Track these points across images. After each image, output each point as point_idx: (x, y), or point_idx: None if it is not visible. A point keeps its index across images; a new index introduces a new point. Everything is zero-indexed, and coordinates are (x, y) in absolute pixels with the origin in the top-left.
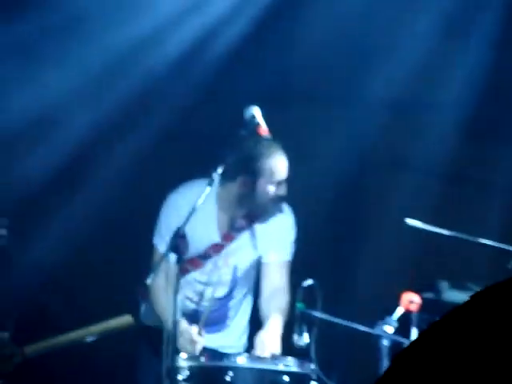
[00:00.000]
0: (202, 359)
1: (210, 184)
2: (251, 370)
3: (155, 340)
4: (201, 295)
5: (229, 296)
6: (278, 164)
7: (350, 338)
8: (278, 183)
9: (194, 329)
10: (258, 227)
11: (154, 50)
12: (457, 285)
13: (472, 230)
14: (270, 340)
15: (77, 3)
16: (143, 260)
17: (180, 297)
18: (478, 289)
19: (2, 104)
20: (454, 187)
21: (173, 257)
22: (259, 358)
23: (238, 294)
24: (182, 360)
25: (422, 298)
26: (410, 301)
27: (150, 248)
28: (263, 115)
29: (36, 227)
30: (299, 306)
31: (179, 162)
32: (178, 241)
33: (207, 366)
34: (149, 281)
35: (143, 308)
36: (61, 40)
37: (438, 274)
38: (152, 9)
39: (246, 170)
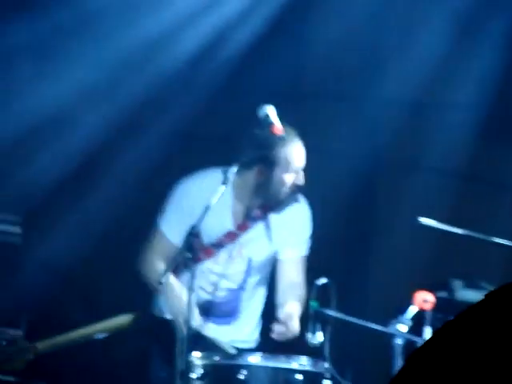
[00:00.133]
0: (216, 357)
1: (225, 183)
2: (265, 368)
3: (168, 334)
4: (215, 286)
5: (241, 288)
6: (295, 152)
7: (364, 336)
8: (295, 172)
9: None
10: (274, 219)
11: (168, 48)
12: (470, 284)
13: (486, 229)
14: (292, 319)
15: (90, 1)
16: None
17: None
18: (491, 288)
19: (15, 102)
20: (468, 186)
21: (187, 255)
22: (273, 357)
23: (251, 286)
24: (196, 358)
25: (436, 297)
26: (424, 300)
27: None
28: (276, 113)
29: (49, 225)
30: (313, 304)
31: (192, 160)
32: (192, 239)
33: (221, 364)
34: (163, 279)
35: (156, 301)
36: (74, 39)
37: (452, 272)
38: (166, 7)
39: (263, 158)
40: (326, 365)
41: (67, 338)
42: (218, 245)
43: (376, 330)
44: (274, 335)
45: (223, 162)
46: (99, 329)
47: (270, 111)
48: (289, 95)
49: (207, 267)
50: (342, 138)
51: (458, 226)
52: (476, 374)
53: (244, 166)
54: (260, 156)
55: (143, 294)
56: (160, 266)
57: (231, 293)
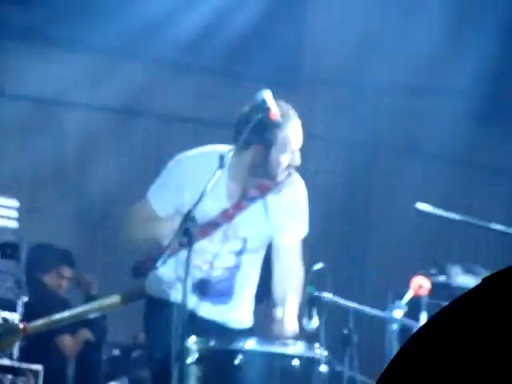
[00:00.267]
0: (212, 342)
1: (221, 167)
2: (260, 353)
3: (162, 314)
4: (210, 265)
5: (236, 267)
6: (292, 133)
7: (360, 321)
8: (292, 152)
9: None
10: (271, 201)
11: (165, 32)
12: (466, 269)
13: (482, 214)
14: (289, 319)
15: None
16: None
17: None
18: (487, 273)
19: (12, 88)
20: (465, 172)
21: (183, 240)
22: (269, 342)
23: (246, 266)
24: (191, 343)
25: (432, 283)
26: (420, 285)
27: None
28: (275, 99)
29: (46, 209)
30: (309, 289)
31: (189, 144)
32: (189, 224)
33: (216, 349)
34: (159, 264)
35: (148, 279)
36: (72, 23)
37: (448, 258)
38: None
39: (260, 138)
40: (322, 350)
41: (57, 319)
42: (214, 224)
43: (372, 314)
44: (273, 335)
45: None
46: (91, 309)
47: (267, 96)
48: (287, 81)
49: (202, 246)
50: (340, 124)
51: (455, 212)
52: (472, 359)
53: (240, 146)
54: (257, 136)
55: (137, 275)
56: (142, 229)
57: (226, 272)
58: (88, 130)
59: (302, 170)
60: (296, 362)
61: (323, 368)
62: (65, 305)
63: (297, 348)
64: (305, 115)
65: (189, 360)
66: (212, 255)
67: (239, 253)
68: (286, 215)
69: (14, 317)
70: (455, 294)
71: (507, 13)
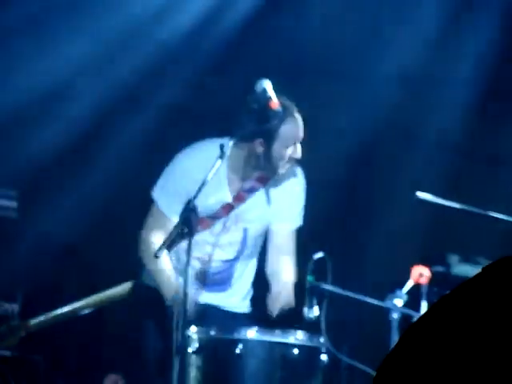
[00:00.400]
0: (212, 332)
1: (221, 157)
2: (261, 342)
3: (161, 304)
4: (210, 256)
5: (236, 258)
6: (294, 126)
7: (360, 310)
8: (293, 146)
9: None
10: (272, 192)
11: (165, 22)
12: (467, 258)
13: (483, 203)
14: (284, 294)
15: None
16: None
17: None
18: (487, 262)
19: (13, 78)
20: (466, 161)
21: (184, 229)
22: (269, 331)
23: (245, 256)
24: (192, 332)
25: (432, 272)
26: (420, 274)
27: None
28: (274, 88)
29: (46, 199)
30: (309, 278)
31: (190, 135)
32: (190, 214)
33: (217, 338)
34: (159, 253)
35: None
36: (71, 12)
37: (448, 247)
38: None
39: (262, 133)
40: (322, 339)
41: (59, 314)
42: (215, 217)
43: (372, 304)
44: (270, 311)
45: (221, 135)
46: (93, 302)
47: (267, 85)
48: (287, 71)
49: (203, 238)
50: (341, 114)
51: (455, 201)
52: (472, 347)
53: (241, 139)
54: (258, 130)
55: (139, 267)
56: (155, 240)
57: (226, 263)
58: (89, 120)
59: (301, 159)
60: (296, 352)
61: (323, 357)
62: (66, 296)
63: (297, 337)
64: (304, 105)
65: (189, 349)
66: (212, 246)
67: (240, 243)
68: (285, 205)
69: (14, 308)
70: (455, 282)
71: (509, 3)
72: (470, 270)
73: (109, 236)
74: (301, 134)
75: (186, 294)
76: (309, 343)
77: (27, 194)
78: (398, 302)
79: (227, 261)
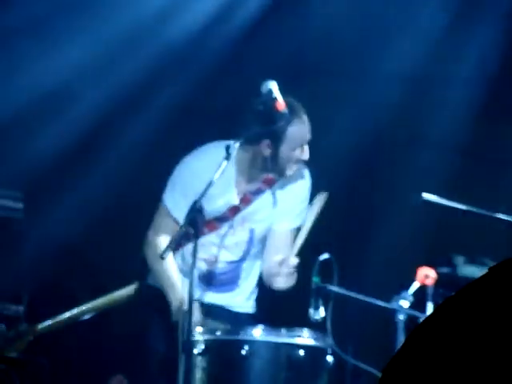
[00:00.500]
0: (218, 333)
1: (227, 158)
2: (267, 343)
3: (166, 306)
4: (216, 258)
5: (243, 259)
6: (301, 128)
7: (366, 312)
8: (301, 147)
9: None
10: (278, 194)
11: (169, 23)
12: (472, 259)
13: (488, 204)
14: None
15: None
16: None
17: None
18: (493, 263)
19: (16, 78)
20: (470, 162)
21: (190, 230)
22: (275, 332)
23: (252, 257)
24: (198, 334)
25: (438, 273)
26: (426, 275)
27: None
28: (279, 88)
29: (51, 200)
30: (315, 280)
31: (194, 136)
32: (195, 215)
33: (223, 339)
34: (165, 255)
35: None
36: (74, 13)
37: (454, 248)
38: None
39: (269, 135)
40: (328, 340)
41: (67, 317)
42: (222, 219)
43: (378, 305)
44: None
45: (226, 137)
46: (98, 305)
47: (273, 86)
48: (290, 71)
49: (209, 239)
50: (344, 114)
51: (461, 202)
52: (477, 349)
53: (248, 141)
54: (265, 132)
55: (144, 268)
56: (161, 241)
57: (232, 264)
58: (93, 121)
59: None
60: (302, 352)
61: (329, 358)
62: (71, 297)
63: (303, 338)
64: (307, 105)
65: (195, 351)
66: (218, 248)
67: (246, 244)
68: (289, 207)
69: (19, 309)
70: (461, 284)
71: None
72: (475, 271)
73: (114, 237)
74: (308, 135)
75: (191, 296)
76: (314, 344)
77: (32, 196)
78: (404, 304)
79: (233, 262)
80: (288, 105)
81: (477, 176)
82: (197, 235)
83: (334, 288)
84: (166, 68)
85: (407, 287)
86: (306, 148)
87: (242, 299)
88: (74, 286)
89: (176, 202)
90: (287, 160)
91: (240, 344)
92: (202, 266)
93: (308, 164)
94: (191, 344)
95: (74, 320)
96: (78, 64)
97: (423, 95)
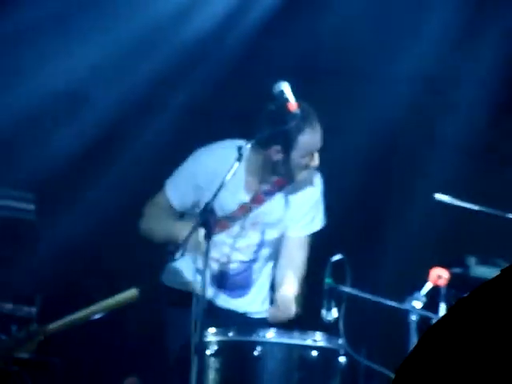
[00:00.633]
0: (231, 334)
1: (239, 159)
2: (279, 344)
3: (181, 306)
4: (228, 258)
5: (254, 260)
6: (312, 137)
7: (379, 313)
8: (311, 154)
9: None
10: (290, 197)
11: (182, 25)
12: (485, 260)
13: (501, 205)
14: (284, 301)
15: None
16: None
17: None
18: (506, 264)
19: (29, 80)
20: (484, 162)
21: (202, 231)
22: (287, 333)
23: (263, 258)
24: (211, 335)
25: (451, 273)
26: (439, 276)
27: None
28: (292, 89)
29: (63, 202)
30: (328, 281)
31: (207, 137)
32: (208, 216)
33: (235, 340)
34: (178, 256)
35: (166, 271)
36: (88, 14)
37: (467, 249)
38: None
39: (280, 141)
40: (341, 341)
41: (77, 317)
42: (232, 218)
43: (391, 306)
44: (269, 318)
45: (238, 137)
46: (111, 304)
47: (285, 87)
48: (304, 72)
49: (221, 239)
50: (357, 115)
51: (473, 202)
52: (491, 351)
53: (259, 144)
54: (277, 136)
55: (158, 268)
56: (154, 216)
57: (244, 265)
58: (107, 122)
59: (320, 160)
60: (315, 353)
61: (342, 359)
62: (85, 298)
63: (316, 339)
64: (322, 105)
65: (208, 351)
66: (230, 248)
67: (257, 245)
68: (301, 213)
69: (32, 311)
70: (474, 284)
71: None
72: (488, 272)
73: (128, 237)
74: (319, 143)
75: (203, 296)
76: (327, 345)
77: (45, 197)
78: (417, 304)
79: (245, 262)
80: (300, 111)
81: (490, 176)
82: (209, 236)
83: (347, 289)
84: (181, 68)
85: (420, 288)
86: (316, 155)
87: (255, 304)
88: (87, 287)
89: (177, 190)
90: (297, 166)
91: (253, 345)
92: (214, 265)
93: (321, 165)
94: (204, 345)
95: (84, 320)
96: (93, 64)
97: (437, 96)
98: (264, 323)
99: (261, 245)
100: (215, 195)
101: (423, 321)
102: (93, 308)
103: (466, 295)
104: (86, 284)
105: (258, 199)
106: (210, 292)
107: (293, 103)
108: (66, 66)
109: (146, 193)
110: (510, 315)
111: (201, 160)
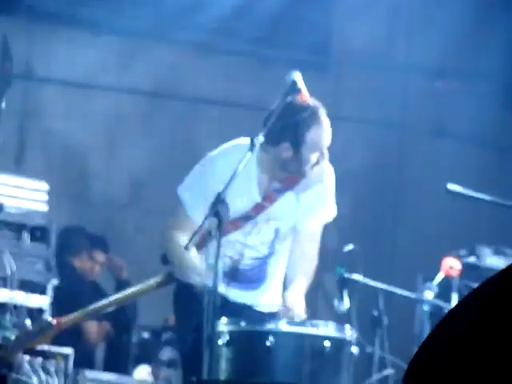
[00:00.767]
0: (243, 324)
1: (252, 150)
2: (291, 334)
3: (192, 298)
4: (240, 255)
5: (268, 256)
6: (320, 133)
7: (391, 302)
8: (321, 151)
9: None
10: (301, 193)
11: (195, 14)
12: (497, 250)
13: None
14: (294, 301)
15: None
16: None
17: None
18: None
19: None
20: (494, 153)
21: (214, 222)
22: (299, 323)
23: (277, 254)
24: (222, 325)
25: (463, 264)
26: (451, 266)
27: None
28: (303, 80)
29: (77, 192)
30: (340, 270)
31: (218, 126)
32: (219, 206)
33: (247, 330)
34: (189, 245)
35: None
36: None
37: (479, 239)
38: None
39: (290, 138)
40: (353, 331)
41: (90, 310)
42: (246, 217)
43: (403, 295)
44: (280, 315)
45: (249, 127)
46: (123, 297)
47: (298, 78)
48: (316, 63)
49: (234, 237)
50: (369, 106)
51: (485, 193)
52: (503, 340)
53: (270, 143)
54: (287, 135)
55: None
56: (177, 236)
57: (257, 261)
58: (116, 113)
59: (331, 152)
60: (327, 344)
61: (354, 349)
62: (96, 289)
63: (328, 329)
64: (334, 97)
65: (220, 342)
66: (243, 246)
67: (271, 242)
68: (313, 207)
69: (44, 300)
70: (486, 275)
71: None
72: (500, 262)
73: (139, 229)
74: (328, 139)
75: (215, 287)
76: (339, 335)
77: (58, 187)
78: (429, 294)
79: (259, 259)
80: (309, 107)
81: (502, 167)
82: (221, 227)
83: (359, 279)
84: (191, 60)
85: (432, 278)
86: (326, 152)
87: (267, 297)
88: (99, 279)
89: (192, 198)
90: (307, 163)
91: (265, 335)
92: (226, 261)
93: (335, 156)
94: (216, 335)
95: (97, 313)
96: (103, 57)
97: (449, 88)
98: (273, 318)
99: (274, 241)
100: (227, 186)
101: (435, 311)
102: (106, 301)
103: (477, 285)
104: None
105: (269, 197)
106: (222, 287)
107: (305, 93)
108: (76, 58)
109: (156, 182)
110: None
111: (213, 164)
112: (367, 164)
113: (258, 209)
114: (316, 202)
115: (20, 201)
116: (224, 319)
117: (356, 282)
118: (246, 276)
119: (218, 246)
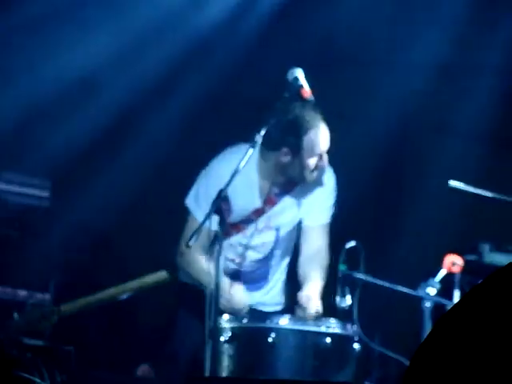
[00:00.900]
0: (245, 320)
1: (253, 146)
2: (293, 331)
3: (194, 298)
4: (242, 257)
5: (269, 257)
6: (320, 138)
7: (393, 299)
8: (319, 156)
9: (238, 287)
10: (302, 196)
11: (196, 11)
12: (499, 247)
13: None
14: (312, 300)
15: None
16: (182, 220)
17: (222, 259)
18: None
19: (43, 68)
20: (497, 149)
21: (215, 219)
22: (301, 320)
23: (279, 253)
24: (224, 321)
25: (465, 260)
26: (453, 263)
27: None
28: (306, 77)
29: (78, 189)
30: (342, 267)
31: (222, 124)
32: (221, 203)
33: (249, 327)
34: (191, 242)
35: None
36: (102, 3)
37: (481, 235)
38: None
39: (288, 142)
40: (355, 328)
41: (91, 299)
42: (247, 221)
43: (405, 292)
44: (298, 314)
45: (251, 125)
46: (126, 288)
47: (299, 74)
48: (317, 60)
49: (236, 240)
50: (371, 102)
51: (487, 189)
52: (505, 337)
53: (269, 148)
54: (285, 140)
55: (171, 255)
56: (194, 252)
57: (259, 263)
58: (121, 110)
59: (332, 150)
60: (329, 340)
61: (356, 345)
62: (98, 286)
63: (330, 326)
64: (334, 94)
65: (222, 338)
66: (245, 248)
67: (272, 243)
68: (314, 201)
69: (46, 297)
70: (488, 271)
71: None
72: (502, 259)
73: (141, 224)
74: (326, 144)
75: (218, 284)
76: (341, 332)
77: (59, 184)
78: (431, 291)
79: (260, 260)
80: (306, 113)
81: (503, 163)
82: (223, 224)
83: (361, 275)
84: (193, 57)
85: (434, 274)
86: (325, 156)
87: (271, 296)
88: (101, 274)
89: (201, 207)
90: (306, 167)
91: (267, 331)
92: (229, 265)
93: (336, 152)
94: (218, 331)
95: (98, 302)
96: (105, 52)
97: (452, 83)
98: (277, 316)
99: (276, 242)
100: (229, 183)
101: (437, 307)
102: (108, 292)
103: (479, 282)
104: (100, 271)
105: (270, 201)
106: (224, 281)
107: (307, 90)
108: (81, 54)
109: (162, 180)
110: None
111: (218, 172)
112: (369, 161)
113: (259, 212)
114: (317, 205)
115: (22, 197)
116: (226, 316)
117: (358, 278)
118: (249, 277)
119: (220, 243)
